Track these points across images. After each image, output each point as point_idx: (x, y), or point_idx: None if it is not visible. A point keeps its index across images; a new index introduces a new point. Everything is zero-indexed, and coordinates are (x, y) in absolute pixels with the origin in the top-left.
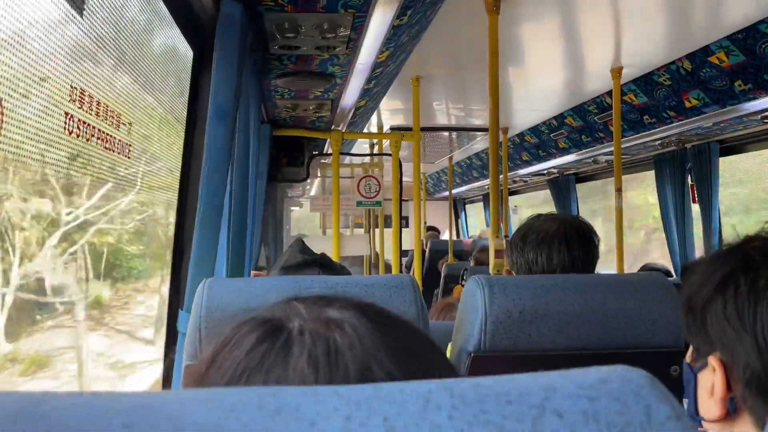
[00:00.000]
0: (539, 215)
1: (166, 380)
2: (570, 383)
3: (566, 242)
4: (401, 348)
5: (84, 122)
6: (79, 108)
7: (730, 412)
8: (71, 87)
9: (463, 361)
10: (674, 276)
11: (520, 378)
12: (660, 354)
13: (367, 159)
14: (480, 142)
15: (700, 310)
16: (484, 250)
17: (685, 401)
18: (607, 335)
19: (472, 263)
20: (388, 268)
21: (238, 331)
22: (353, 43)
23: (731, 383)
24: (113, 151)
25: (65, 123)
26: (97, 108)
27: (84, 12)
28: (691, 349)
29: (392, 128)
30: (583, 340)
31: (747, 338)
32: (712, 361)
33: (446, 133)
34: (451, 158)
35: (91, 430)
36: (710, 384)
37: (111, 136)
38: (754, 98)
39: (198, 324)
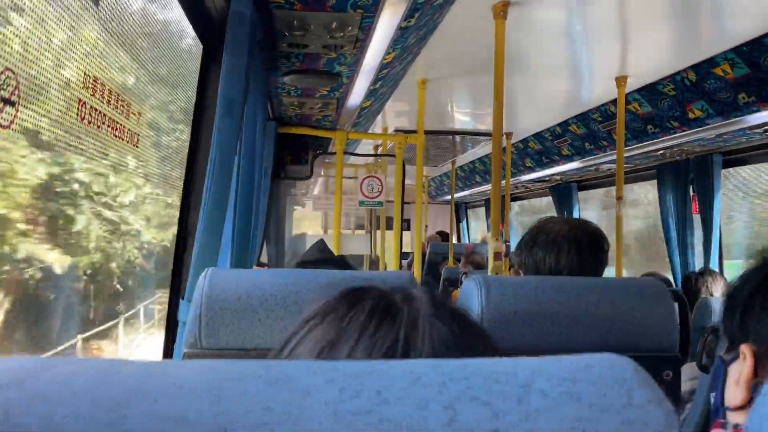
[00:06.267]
0: (551, 218)
1: None
2: (556, 367)
3: (576, 245)
4: (462, 338)
5: (95, 109)
6: (91, 95)
7: (754, 399)
8: (85, 75)
9: None
10: (673, 286)
11: (507, 360)
12: (653, 358)
13: (370, 159)
14: (484, 147)
15: (742, 304)
16: (475, 252)
17: (712, 395)
18: (600, 338)
19: (464, 266)
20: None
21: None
22: (360, 43)
23: (759, 371)
24: (122, 139)
25: (78, 109)
26: (108, 96)
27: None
28: (725, 345)
29: (397, 130)
30: (578, 342)
31: None
32: (744, 349)
33: (450, 137)
34: (454, 162)
35: (96, 394)
36: (738, 374)
37: (121, 124)
38: (758, 111)
39: (198, 313)
